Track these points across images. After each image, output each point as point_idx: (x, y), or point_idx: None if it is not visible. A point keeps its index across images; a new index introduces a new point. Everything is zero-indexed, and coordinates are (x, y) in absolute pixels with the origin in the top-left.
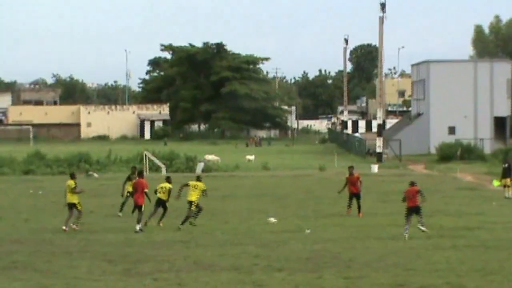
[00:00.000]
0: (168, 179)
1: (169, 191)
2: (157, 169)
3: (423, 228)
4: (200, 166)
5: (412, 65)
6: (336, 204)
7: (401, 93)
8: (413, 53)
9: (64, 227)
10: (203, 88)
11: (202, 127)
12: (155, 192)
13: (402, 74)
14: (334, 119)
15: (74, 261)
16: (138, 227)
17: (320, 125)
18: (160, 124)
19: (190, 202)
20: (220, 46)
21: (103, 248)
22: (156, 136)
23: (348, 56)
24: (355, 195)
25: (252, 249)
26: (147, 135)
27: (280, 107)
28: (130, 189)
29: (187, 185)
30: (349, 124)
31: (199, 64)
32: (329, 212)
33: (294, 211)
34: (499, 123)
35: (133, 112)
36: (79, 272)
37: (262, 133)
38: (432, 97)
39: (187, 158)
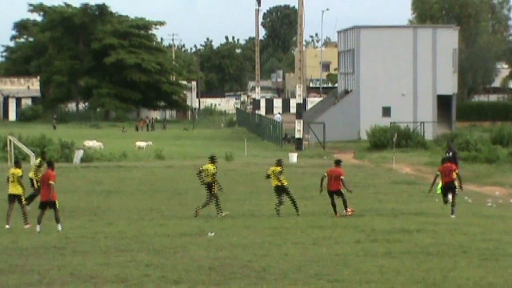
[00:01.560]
0: (212, 159)
1: (213, 174)
2: (25, 157)
3: (454, 209)
4: (78, 155)
5: (339, 32)
6: (246, 201)
7: (326, 66)
8: (340, 17)
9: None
10: (82, 58)
11: (81, 106)
12: (199, 174)
13: (327, 43)
14: (243, 98)
15: None
16: (59, 226)
17: (227, 104)
18: (29, 102)
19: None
20: (102, 7)
21: None
22: (24, 117)
23: (260, 20)
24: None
25: (143, 257)
26: (12, 116)
27: (178, 82)
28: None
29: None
30: (262, 103)
31: (77, 28)
32: (238, 211)
33: (194, 209)
34: (443, 103)
35: None
36: None
37: (156, 114)
38: (363, 71)
39: (62, 145)
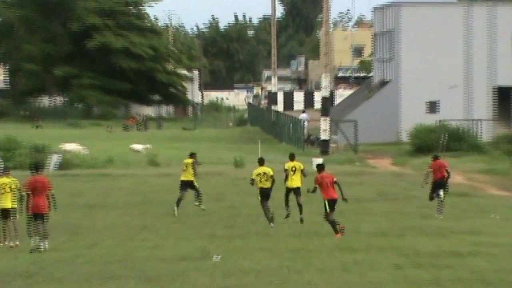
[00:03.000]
0: (261, 161)
1: (272, 177)
2: None
3: (442, 208)
4: (54, 160)
5: (375, 9)
6: (260, 217)
7: (358, 51)
8: None
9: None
10: (59, 41)
11: (58, 100)
12: (251, 182)
13: (359, 23)
14: (257, 90)
15: None
16: (46, 243)
17: (236, 98)
18: None
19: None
20: None
21: None
22: None
23: None
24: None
25: (134, 285)
26: None
27: (176, 71)
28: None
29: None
30: (280, 97)
31: (52, 5)
32: (250, 229)
33: (197, 227)
34: (503, 97)
35: None
36: None
37: (149, 111)
38: (404, 58)
39: (34, 148)
